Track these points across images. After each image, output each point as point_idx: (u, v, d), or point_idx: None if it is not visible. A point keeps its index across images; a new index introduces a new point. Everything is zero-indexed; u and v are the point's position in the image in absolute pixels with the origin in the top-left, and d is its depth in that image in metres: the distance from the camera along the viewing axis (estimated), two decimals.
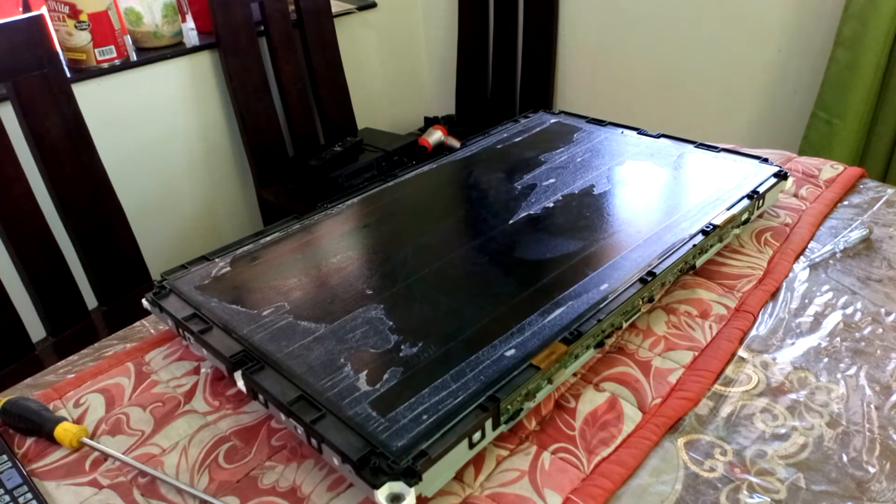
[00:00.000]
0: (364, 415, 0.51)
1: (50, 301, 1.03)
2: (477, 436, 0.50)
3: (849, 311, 0.68)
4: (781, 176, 0.81)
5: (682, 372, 0.61)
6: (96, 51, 1.33)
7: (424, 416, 0.50)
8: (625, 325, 0.64)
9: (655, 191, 0.81)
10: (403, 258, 0.71)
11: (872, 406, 0.56)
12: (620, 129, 0.98)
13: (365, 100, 1.96)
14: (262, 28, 1.56)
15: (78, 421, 0.61)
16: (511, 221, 0.76)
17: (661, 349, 0.63)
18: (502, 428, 0.53)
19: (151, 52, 1.45)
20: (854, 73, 1.34)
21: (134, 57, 1.42)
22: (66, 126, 1.03)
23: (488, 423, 0.51)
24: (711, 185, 0.80)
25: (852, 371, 0.60)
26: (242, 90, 1.54)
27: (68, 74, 1.16)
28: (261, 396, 0.55)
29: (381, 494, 0.45)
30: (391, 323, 0.61)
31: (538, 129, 1.01)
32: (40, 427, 0.58)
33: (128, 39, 1.46)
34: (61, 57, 1.18)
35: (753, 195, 0.77)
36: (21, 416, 0.59)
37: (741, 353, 0.63)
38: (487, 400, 0.51)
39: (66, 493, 0.54)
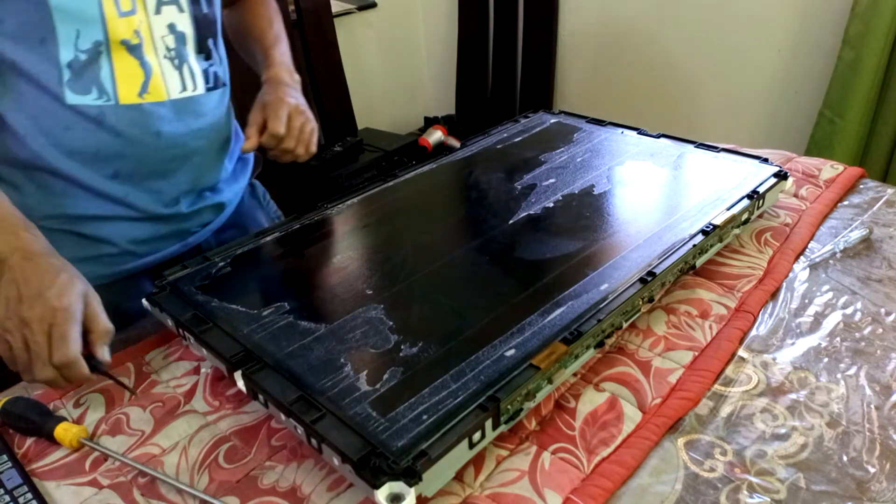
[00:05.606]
0: (364, 415, 0.51)
1: None
2: (477, 436, 0.50)
3: (849, 311, 0.68)
4: (781, 176, 0.81)
5: (682, 372, 0.61)
6: None
7: (424, 416, 0.50)
8: (625, 325, 0.64)
9: (655, 191, 0.81)
10: (403, 258, 0.71)
11: (872, 406, 0.56)
12: (620, 129, 0.98)
13: (365, 100, 1.96)
14: None
15: (78, 421, 0.61)
16: (511, 221, 0.76)
17: (661, 349, 0.63)
18: (502, 428, 0.53)
19: None
20: (857, 72, 1.34)
21: None
22: None
23: (488, 423, 0.51)
24: (711, 185, 0.80)
25: (852, 371, 0.60)
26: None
27: None
28: (261, 396, 0.55)
29: (381, 494, 0.45)
30: (391, 323, 0.61)
31: (538, 129, 1.01)
32: (40, 427, 0.58)
33: None
34: None
35: (753, 195, 0.77)
36: (21, 416, 0.59)
37: (741, 353, 0.63)
38: (487, 400, 0.51)
39: (66, 493, 0.54)
